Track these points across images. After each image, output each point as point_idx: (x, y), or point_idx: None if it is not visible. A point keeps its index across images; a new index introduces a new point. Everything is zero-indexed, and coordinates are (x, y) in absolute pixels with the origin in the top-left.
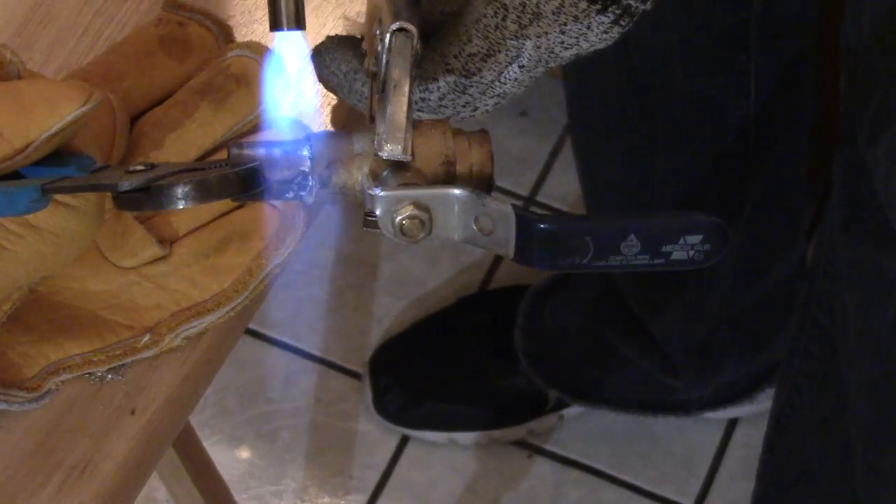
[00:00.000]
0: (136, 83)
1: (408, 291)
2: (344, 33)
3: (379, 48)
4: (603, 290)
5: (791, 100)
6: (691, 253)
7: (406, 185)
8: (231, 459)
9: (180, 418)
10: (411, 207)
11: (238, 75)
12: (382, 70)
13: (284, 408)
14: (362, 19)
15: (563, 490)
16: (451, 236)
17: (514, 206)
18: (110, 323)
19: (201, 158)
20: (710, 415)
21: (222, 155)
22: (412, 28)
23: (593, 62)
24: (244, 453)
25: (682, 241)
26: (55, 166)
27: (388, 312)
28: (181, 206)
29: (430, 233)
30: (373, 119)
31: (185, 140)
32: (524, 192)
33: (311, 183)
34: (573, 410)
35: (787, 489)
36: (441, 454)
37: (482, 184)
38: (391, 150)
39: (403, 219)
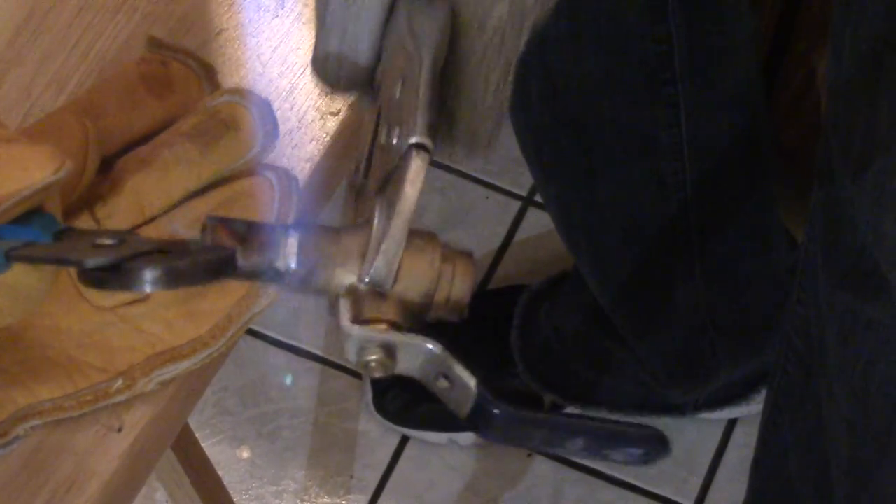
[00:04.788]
0: (116, 120)
1: None
2: None
3: (391, 142)
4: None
5: (733, 125)
6: (630, 458)
7: (378, 322)
8: (231, 459)
9: (169, 435)
10: (379, 350)
11: (227, 120)
12: (392, 178)
13: (284, 407)
14: None
15: (563, 490)
16: (410, 374)
17: (477, 384)
18: (82, 365)
19: (186, 200)
20: (706, 416)
21: (203, 205)
22: (431, 145)
23: (521, 97)
24: (244, 453)
25: (622, 449)
26: (17, 224)
27: None
28: (148, 290)
29: (390, 373)
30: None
31: (170, 181)
32: (523, 193)
33: (284, 280)
34: (572, 410)
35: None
36: (441, 454)
37: (454, 312)
38: (376, 283)
39: (369, 360)
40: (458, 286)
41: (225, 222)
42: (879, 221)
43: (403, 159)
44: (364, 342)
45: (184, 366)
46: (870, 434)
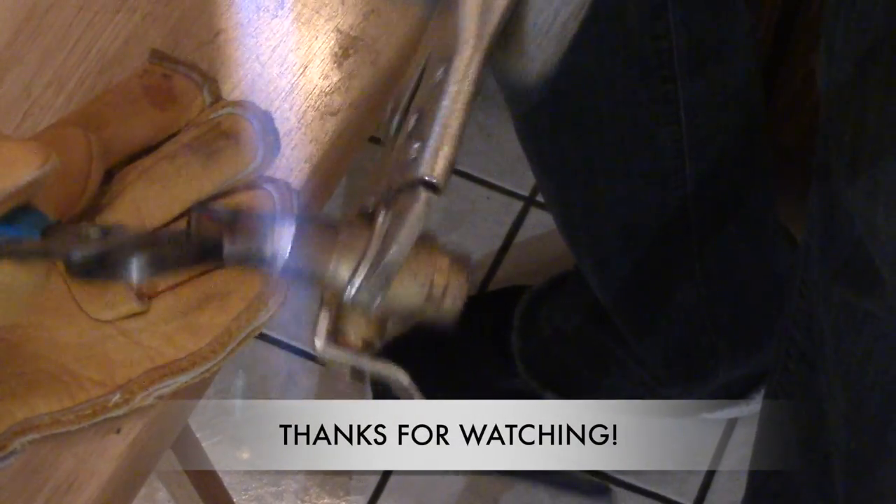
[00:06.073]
0: (117, 131)
1: None
2: (336, 47)
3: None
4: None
5: (732, 123)
6: None
7: (353, 344)
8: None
9: (168, 437)
10: (349, 369)
11: (229, 132)
12: (399, 197)
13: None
14: (355, 32)
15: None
16: None
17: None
18: (81, 378)
19: (186, 213)
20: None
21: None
22: (442, 183)
23: (518, 97)
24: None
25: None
26: (6, 222)
27: None
28: (135, 279)
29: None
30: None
31: (171, 193)
32: (524, 193)
33: (275, 268)
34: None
35: (772, 501)
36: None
37: (442, 322)
38: (360, 305)
39: (339, 373)
40: (449, 304)
41: (210, 213)
42: (872, 216)
43: (411, 195)
44: (333, 359)
45: (182, 380)
46: (866, 428)
